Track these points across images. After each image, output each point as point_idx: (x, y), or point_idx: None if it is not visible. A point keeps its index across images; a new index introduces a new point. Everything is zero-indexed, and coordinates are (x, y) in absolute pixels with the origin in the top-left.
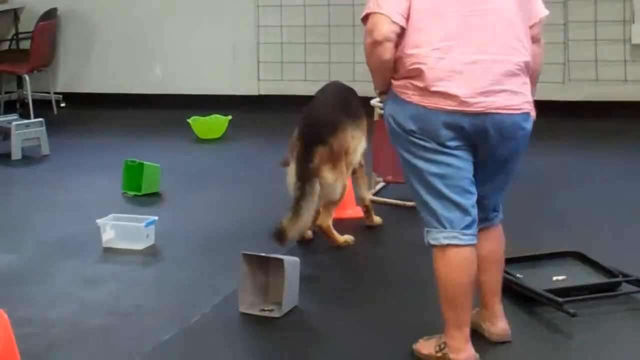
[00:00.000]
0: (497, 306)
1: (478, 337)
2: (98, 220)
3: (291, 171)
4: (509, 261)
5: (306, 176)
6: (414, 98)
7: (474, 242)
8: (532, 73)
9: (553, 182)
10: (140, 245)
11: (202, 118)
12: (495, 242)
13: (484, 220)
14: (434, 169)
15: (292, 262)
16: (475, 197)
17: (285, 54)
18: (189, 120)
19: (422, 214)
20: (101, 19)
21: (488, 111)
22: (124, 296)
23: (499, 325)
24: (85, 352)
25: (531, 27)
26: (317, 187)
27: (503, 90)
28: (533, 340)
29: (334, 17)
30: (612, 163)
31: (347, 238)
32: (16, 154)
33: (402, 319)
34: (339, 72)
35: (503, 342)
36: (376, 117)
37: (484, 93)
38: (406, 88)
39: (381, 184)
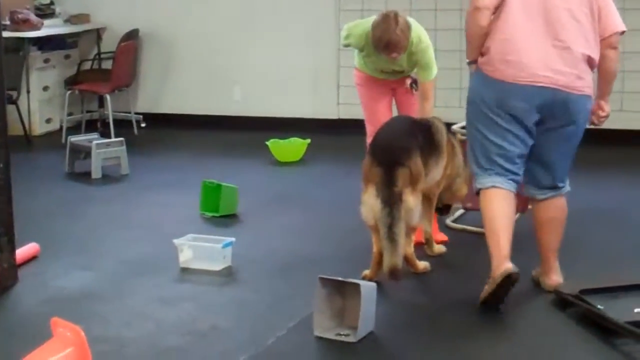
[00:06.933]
0: (553, 261)
1: None
2: (175, 240)
3: (370, 199)
4: (590, 292)
5: (392, 200)
6: (494, 73)
7: (512, 189)
8: (605, 73)
9: (629, 212)
10: (217, 266)
11: (281, 141)
12: (558, 210)
13: (552, 188)
14: (492, 137)
15: (368, 286)
16: (518, 167)
17: None
18: (267, 143)
19: (473, 166)
20: (181, 41)
21: (556, 87)
22: (200, 317)
23: (553, 277)
24: None
25: (606, 38)
26: (403, 212)
27: (571, 73)
28: None
29: None
30: None
31: (426, 265)
32: (96, 173)
33: (482, 345)
34: None
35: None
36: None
37: (554, 71)
38: (488, 64)
39: (460, 211)
